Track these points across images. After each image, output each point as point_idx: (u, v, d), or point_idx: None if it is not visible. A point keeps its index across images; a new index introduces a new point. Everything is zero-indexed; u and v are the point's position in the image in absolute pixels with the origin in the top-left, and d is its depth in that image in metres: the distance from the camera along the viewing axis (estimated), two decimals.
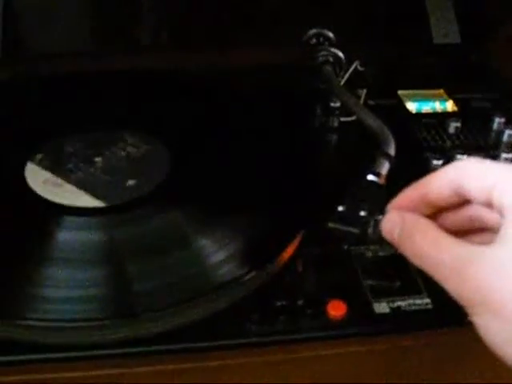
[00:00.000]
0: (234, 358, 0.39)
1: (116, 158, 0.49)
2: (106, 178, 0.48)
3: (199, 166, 0.49)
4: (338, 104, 0.56)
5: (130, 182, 0.47)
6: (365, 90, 0.57)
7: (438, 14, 0.71)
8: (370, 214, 0.38)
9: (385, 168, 0.43)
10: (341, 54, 0.56)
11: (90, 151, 0.50)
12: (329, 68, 0.55)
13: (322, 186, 0.48)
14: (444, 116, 0.60)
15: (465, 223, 0.37)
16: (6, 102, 0.57)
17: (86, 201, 0.45)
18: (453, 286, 0.32)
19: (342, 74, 0.56)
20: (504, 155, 0.54)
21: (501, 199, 0.33)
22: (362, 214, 0.37)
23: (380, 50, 0.65)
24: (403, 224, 0.35)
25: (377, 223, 0.37)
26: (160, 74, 0.61)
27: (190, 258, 0.41)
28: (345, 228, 0.38)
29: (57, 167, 0.48)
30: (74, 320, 0.37)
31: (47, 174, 0.47)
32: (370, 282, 0.42)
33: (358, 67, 0.56)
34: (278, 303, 0.40)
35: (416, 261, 0.34)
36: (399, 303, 0.41)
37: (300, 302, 0.40)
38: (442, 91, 0.64)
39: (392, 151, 0.44)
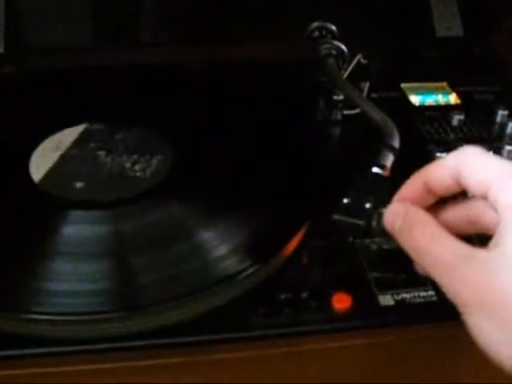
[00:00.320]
0: (238, 352, 0.39)
1: (118, 152, 0.49)
2: (117, 168, 0.48)
3: (202, 159, 0.49)
4: (341, 97, 0.56)
5: (133, 175, 0.47)
6: (368, 83, 0.57)
7: (441, 7, 0.71)
8: (375, 206, 0.38)
9: (389, 160, 0.43)
10: (344, 47, 0.56)
11: (90, 146, 0.50)
12: (332, 61, 0.55)
13: (326, 178, 0.48)
14: (447, 109, 0.60)
15: (464, 220, 0.37)
16: (9, 96, 0.57)
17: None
18: (448, 283, 0.32)
19: (344, 67, 0.56)
20: (508, 147, 0.53)
21: (496, 197, 0.33)
22: (367, 206, 0.38)
23: (383, 42, 0.65)
24: (406, 216, 0.35)
25: (380, 216, 0.37)
26: (163, 69, 0.61)
27: (194, 251, 0.41)
28: (350, 220, 0.38)
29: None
30: (79, 313, 0.37)
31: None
32: (374, 274, 0.42)
33: (361, 60, 0.56)
34: (283, 296, 0.40)
35: (413, 254, 0.34)
36: (404, 295, 0.41)
37: (305, 295, 0.40)
38: (445, 84, 0.64)
39: (396, 143, 0.44)
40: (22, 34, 0.65)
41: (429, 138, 0.57)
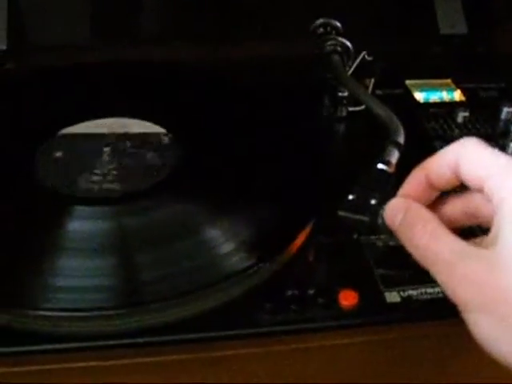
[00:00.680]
0: (245, 348, 0.39)
1: (123, 149, 0.49)
2: (124, 165, 0.48)
3: (207, 156, 0.49)
4: (345, 94, 0.56)
5: (138, 172, 0.47)
6: (373, 80, 0.57)
7: (445, 4, 0.71)
8: (380, 202, 0.38)
9: (394, 157, 0.42)
10: (349, 44, 0.55)
11: (95, 143, 0.50)
12: (337, 58, 0.55)
13: (331, 175, 0.48)
14: (452, 106, 0.60)
15: (464, 213, 0.37)
16: (11, 92, 0.57)
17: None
18: (447, 281, 0.32)
19: (349, 63, 0.56)
20: None
21: (492, 191, 0.33)
22: (372, 202, 0.37)
23: (387, 40, 0.65)
24: (407, 212, 0.35)
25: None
26: (167, 66, 0.61)
27: (199, 248, 0.41)
28: (355, 216, 0.38)
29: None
30: (84, 310, 0.37)
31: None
32: (381, 271, 0.42)
33: (366, 57, 0.56)
34: (289, 293, 0.40)
35: (413, 251, 0.34)
36: (411, 292, 0.41)
37: (311, 292, 0.40)
38: (449, 81, 0.64)
39: (401, 140, 0.44)
40: (25, 32, 0.65)
41: (433, 134, 0.56)
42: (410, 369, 0.41)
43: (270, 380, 0.40)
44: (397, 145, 0.44)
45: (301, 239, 0.43)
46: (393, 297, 0.41)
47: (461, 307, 0.32)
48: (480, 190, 0.34)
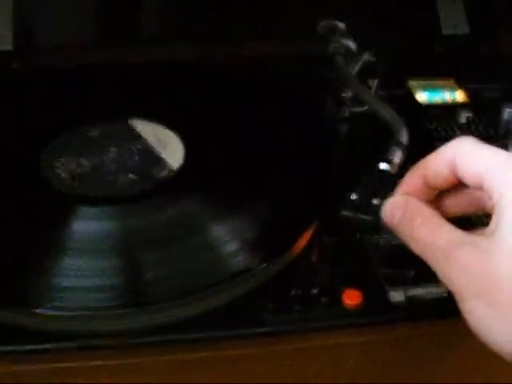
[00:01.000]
0: (249, 348, 0.39)
1: (129, 148, 0.50)
2: (129, 163, 0.48)
3: (213, 155, 0.49)
4: (349, 94, 0.56)
5: (143, 171, 0.47)
6: (376, 81, 0.57)
7: (447, 5, 0.71)
8: (383, 202, 0.38)
9: (397, 157, 0.43)
10: (352, 45, 0.56)
11: (100, 143, 0.50)
12: (340, 58, 0.55)
13: (335, 176, 0.48)
14: (454, 106, 0.60)
15: (465, 208, 0.37)
16: (18, 92, 0.57)
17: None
18: (445, 270, 0.33)
19: (353, 64, 0.56)
20: None
21: (492, 188, 0.33)
22: (375, 202, 0.38)
23: (390, 40, 0.65)
24: (406, 207, 0.35)
25: None
26: (169, 66, 0.61)
27: (203, 247, 0.41)
28: (357, 216, 0.38)
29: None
30: (89, 309, 0.37)
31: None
32: (384, 270, 0.42)
33: (369, 58, 0.56)
34: (293, 292, 0.40)
35: (413, 245, 0.35)
36: (415, 292, 0.41)
37: (315, 291, 0.40)
38: (452, 81, 0.64)
39: (405, 140, 0.45)
40: (31, 33, 0.65)
41: (436, 135, 0.57)
42: (414, 368, 0.42)
43: (274, 379, 0.40)
44: (400, 145, 0.44)
45: (305, 239, 0.43)
46: (397, 296, 0.41)
47: (457, 296, 0.33)
48: (479, 188, 0.34)
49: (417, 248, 0.34)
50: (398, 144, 0.44)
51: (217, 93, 0.57)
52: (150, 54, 0.64)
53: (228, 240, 0.41)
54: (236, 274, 0.39)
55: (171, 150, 0.49)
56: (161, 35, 0.70)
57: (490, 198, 0.34)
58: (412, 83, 0.63)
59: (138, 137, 0.51)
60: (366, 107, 0.56)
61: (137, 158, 0.49)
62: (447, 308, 0.40)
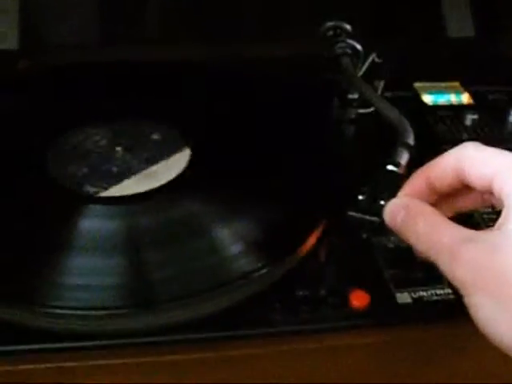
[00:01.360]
0: (256, 348, 0.39)
1: (135, 148, 0.50)
2: (135, 164, 0.48)
3: (219, 156, 0.49)
4: (355, 96, 0.56)
5: (161, 164, 0.47)
6: (382, 82, 0.57)
7: (453, 7, 0.71)
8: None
9: (404, 158, 0.43)
10: (359, 46, 0.55)
11: (106, 143, 0.50)
12: (347, 60, 0.55)
13: (342, 177, 0.48)
14: (460, 108, 0.60)
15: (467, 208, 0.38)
16: (23, 91, 0.57)
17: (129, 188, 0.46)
18: (449, 266, 0.33)
19: (359, 65, 0.56)
20: None
21: (501, 188, 0.33)
22: (382, 203, 0.38)
23: (396, 42, 0.65)
24: (408, 208, 0.35)
25: None
26: (175, 66, 0.61)
27: (210, 248, 0.41)
28: (364, 217, 0.38)
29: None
30: (95, 308, 0.37)
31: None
32: (391, 272, 0.42)
33: (376, 59, 0.56)
34: (301, 293, 0.40)
35: (417, 244, 0.35)
36: (421, 293, 0.41)
37: (322, 292, 0.40)
38: (457, 84, 0.64)
39: (411, 141, 0.44)
40: (37, 32, 0.65)
41: (442, 137, 0.57)
42: (421, 369, 0.42)
43: (281, 380, 0.40)
44: (406, 146, 0.44)
45: (312, 240, 0.43)
46: (404, 298, 0.41)
47: (462, 291, 0.32)
48: (487, 190, 0.35)
49: (421, 248, 0.34)
50: (405, 145, 0.44)
51: (222, 94, 0.57)
52: (154, 54, 0.64)
53: (235, 241, 0.41)
54: (243, 274, 0.39)
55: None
56: (167, 34, 0.70)
57: (499, 198, 0.34)
58: (418, 85, 0.63)
59: (144, 137, 0.51)
60: (372, 108, 0.56)
61: (142, 157, 0.48)
62: (454, 309, 0.40)
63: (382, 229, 0.38)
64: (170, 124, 0.52)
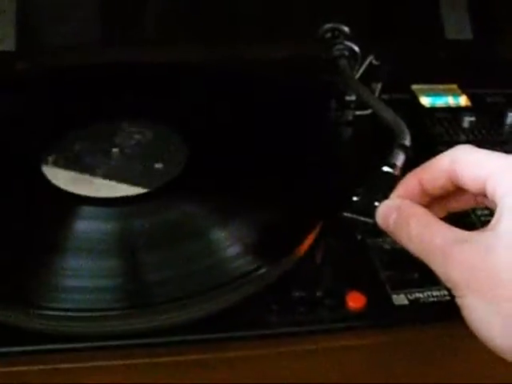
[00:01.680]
0: (252, 350, 0.39)
1: (131, 149, 0.50)
2: (132, 165, 0.48)
3: (215, 157, 0.49)
4: (353, 97, 0.56)
5: (157, 166, 0.48)
6: (380, 84, 0.57)
7: (451, 10, 0.72)
8: None
9: (400, 159, 0.43)
10: (356, 48, 0.56)
11: (103, 144, 0.50)
12: (344, 62, 0.55)
13: (338, 178, 0.48)
14: (457, 111, 0.60)
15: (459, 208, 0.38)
16: (21, 93, 0.57)
17: (126, 190, 0.45)
18: (442, 267, 0.33)
19: (357, 68, 0.56)
20: None
21: (494, 190, 0.33)
22: (377, 204, 0.38)
23: (394, 44, 0.65)
24: (400, 210, 0.35)
25: None
26: (173, 67, 0.61)
27: (207, 249, 0.41)
28: (359, 218, 0.38)
29: (77, 165, 0.48)
30: (91, 310, 0.37)
31: (70, 173, 0.47)
32: (387, 273, 0.42)
33: (373, 61, 0.56)
34: (297, 294, 0.40)
35: (410, 245, 0.35)
36: (417, 295, 0.41)
37: (319, 294, 0.40)
38: (455, 86, 0.64)
39: (407, 143, 0.45)
40: (34, 33, 0.65)
41: (439, 139, 0.57)
42: (417, 370, 0.42)
43: (278, 381, 0.40)
44: (403, 148, 0.44)
45: (308, 241, 0.43)
46: (400, 299, 0.41)
47: (455, 292, 0.33)
48: (480, 192, 0.35)
49: (414, 249, 0.34)
50: (401, 146, 0.44)
51: (220, 95, 0.57)
52: (152, 55, 0.64)
53: (231, 242, 0.41)
54: (240, 276, 0.39)
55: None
56: (166, 36, 0.70)
57: (492, 199, 0.34)
58: (416, 87, 0.63)
59: (141, 138, 0.51)
60: (369, 110, 0.56)
61: (138, 159, 0.48)
62: (450, 311, 0.40)
63: (378, 230, 0.38)
64: (167, 125, 0.52)
